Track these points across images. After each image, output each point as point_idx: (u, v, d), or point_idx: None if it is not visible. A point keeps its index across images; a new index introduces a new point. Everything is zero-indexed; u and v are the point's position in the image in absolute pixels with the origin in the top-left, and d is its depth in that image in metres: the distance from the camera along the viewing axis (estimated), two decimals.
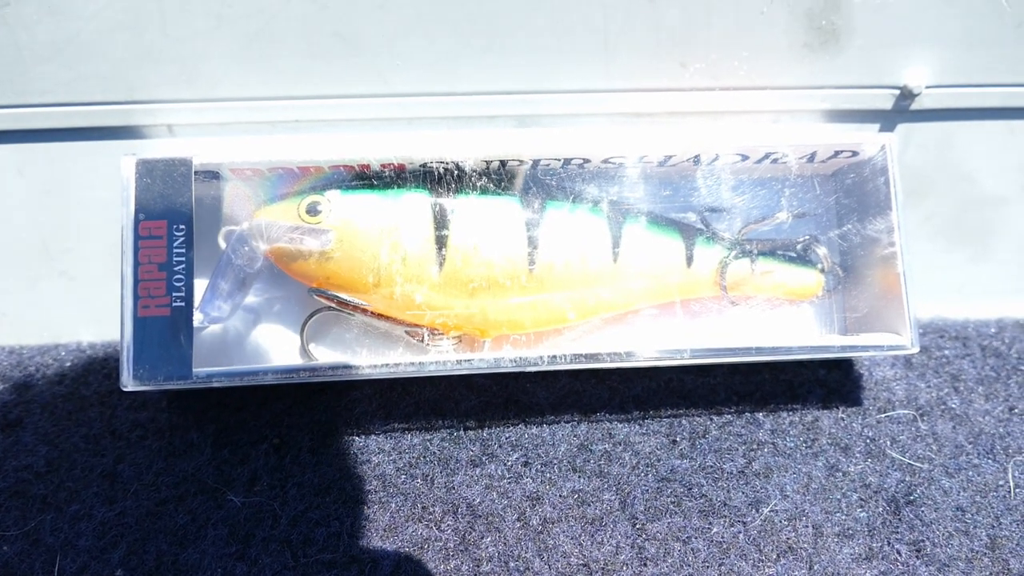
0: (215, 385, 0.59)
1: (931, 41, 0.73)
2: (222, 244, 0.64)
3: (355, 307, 0.64)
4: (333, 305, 0.64)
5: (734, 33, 0.71)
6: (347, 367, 0.60)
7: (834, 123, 0.76)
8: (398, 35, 0.68)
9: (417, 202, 0.64)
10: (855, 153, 0.69)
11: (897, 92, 0.74)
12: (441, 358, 0.61)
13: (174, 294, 0.59)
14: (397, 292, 0.62)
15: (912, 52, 0.73)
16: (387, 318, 0.64)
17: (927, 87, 0.74)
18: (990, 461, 0.69)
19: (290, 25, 0.67)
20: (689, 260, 0.67)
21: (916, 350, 0.63)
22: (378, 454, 0.66)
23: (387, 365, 0.60)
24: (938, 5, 0.70)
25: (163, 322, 0.59)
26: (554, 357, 0.61)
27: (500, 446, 0.67)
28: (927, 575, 0.62)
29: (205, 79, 0.69)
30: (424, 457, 0.66)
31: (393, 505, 0.64)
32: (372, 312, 0.64)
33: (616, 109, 0.73)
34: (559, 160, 0.66)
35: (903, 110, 0.75)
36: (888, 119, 0.76)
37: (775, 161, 0.69)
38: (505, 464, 0.66)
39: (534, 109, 0.73)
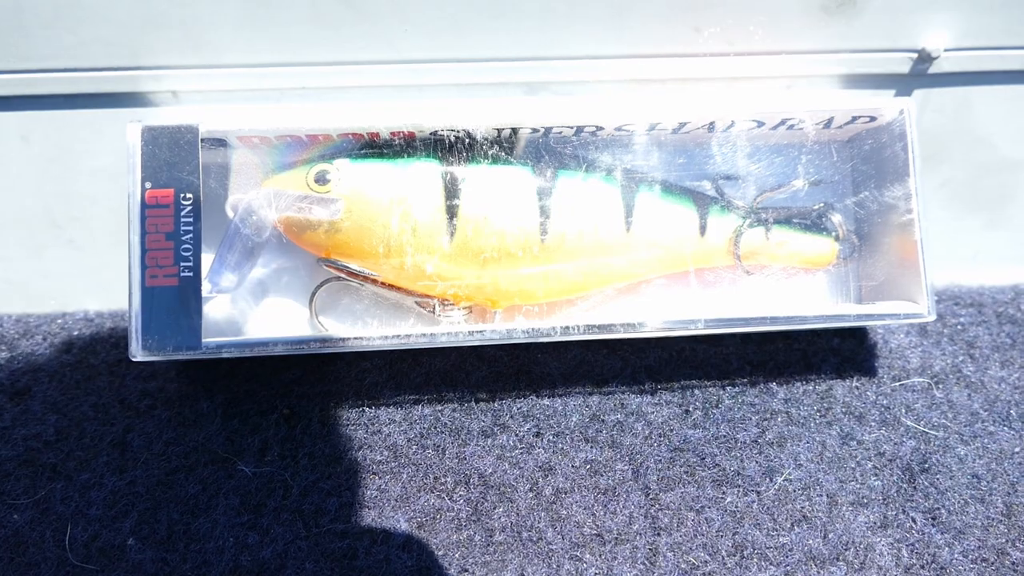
0: (224, 355, 0.58)
1: (950, 3, 0.71)
2: (230, 213, 0.63)
3: (365, 277, 0.63)
4: (343, 275, 0.63)
5: None
6: (357, 338, 0.59)
7: (850, 88, 0.75)
8: (405, 1, 0.67)
9: (427, 171, 0.63)
10: (873, 118, 0.67)
11: (915, 56, 0.73)
12: (452, 329, 0.60)
13: (182, 264, 0.59)
14: (407, 262, 0.62)
15: (930, 15, 0.72)
16: (397, 288, 0.64)
17: (945, 50, 0.73)
18: (1006, 428, 0.68)
19: None
20: (703, 229, 0.66)
21: (933, 318, 0.63)
22: (389, 424, 0.66)
23: (398, 336, 0.60)
24: None
25: (171, 292, 0.58)
26: (567, 328, 0.60)
27: (511, 417, 0.67)
28: (943, 543, 0.62)
29: (211, 45, 0.68)
30: (435, 428, 0.66)
31: (405, 475, 0.64)
32: (382, 283, 0.63)
33: (629, 75, 0.72)
34: (571, 128, 0.65)
35: (920, 74, 0.74)
36: (905, 83, 0.75)
37: (791, 127, 0.67)
38: (517, 435, 0.66)
39: (545, 76, 0.72)
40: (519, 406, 0.67)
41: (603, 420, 0.67)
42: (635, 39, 0.71)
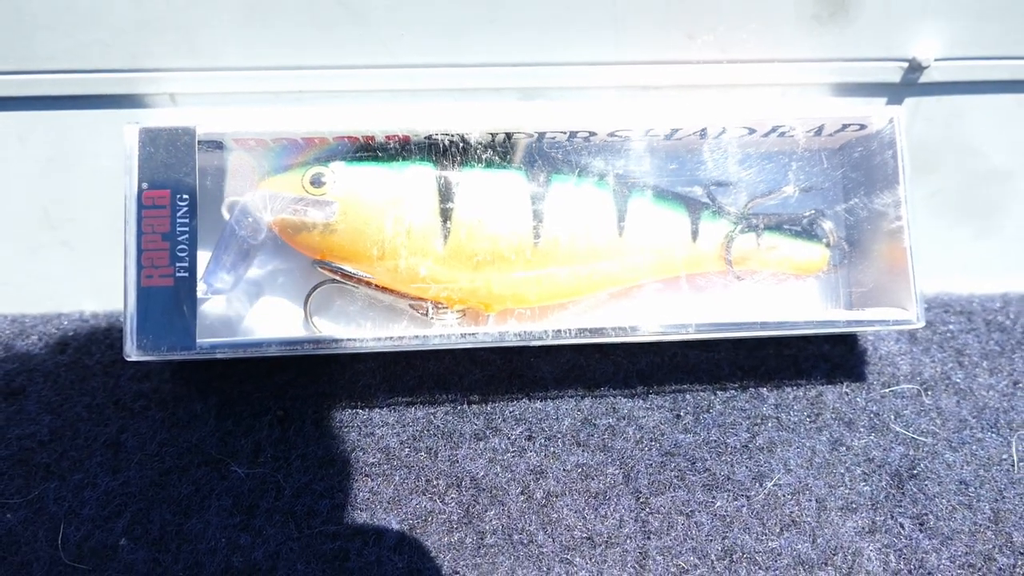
0: (219, 356, 0.59)
1: (941, 13, 0.72)
2: (226, 215, 0.64)
3: (359, 280, 0.63)
4: (337, 278, 0.64)
5: (743, 5, 0.70)
6: (351, 340, 0.60)
7: (842, 96, 0.75)
8: (403, 5, 0.68)
9: (422, 174, 0.63)
10: (863, 126, 0.68)
11: (906, 65, 0.74)
12: (445, 332, 0.61)
13: (177, 264, 0.59)
14: (401, 265, 0.62)
15: (921, 24, 0.73)
16: (391, 291, 0.64)
17: (936, 60, 0.73)
18: (994, 435, 0.69)
19: None
20: (695, 234, 0.66)
21: (922, 325, 0.63)
22: (382, 427, 0.66)
23: (391, 338, 0.60)
24: None
25: (166, 292, 0.59)
26: (559, 331, 0.60)
27: (504, 420, 0.67)
28: (930, 548, 0.63)
29: (208, 48, 0.68)
30: (428, 430, 0.66)
31: (397, 478, 0.64)
32: (376, 285, 0.64)
33: (623, 82, 0.73)
34: (565, 133, 0.65)
35: (911, 83, 0.75)
36: (896, 92, 0.76)
37: (782, 135, 0.68)
38: (509, 438, 0.66)
39: (540, 81, 0.72)
40: (511, 409, 0.68)
41: (595, 424, 0.67)
42: (630, 46, 0.71)
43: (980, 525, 0.64)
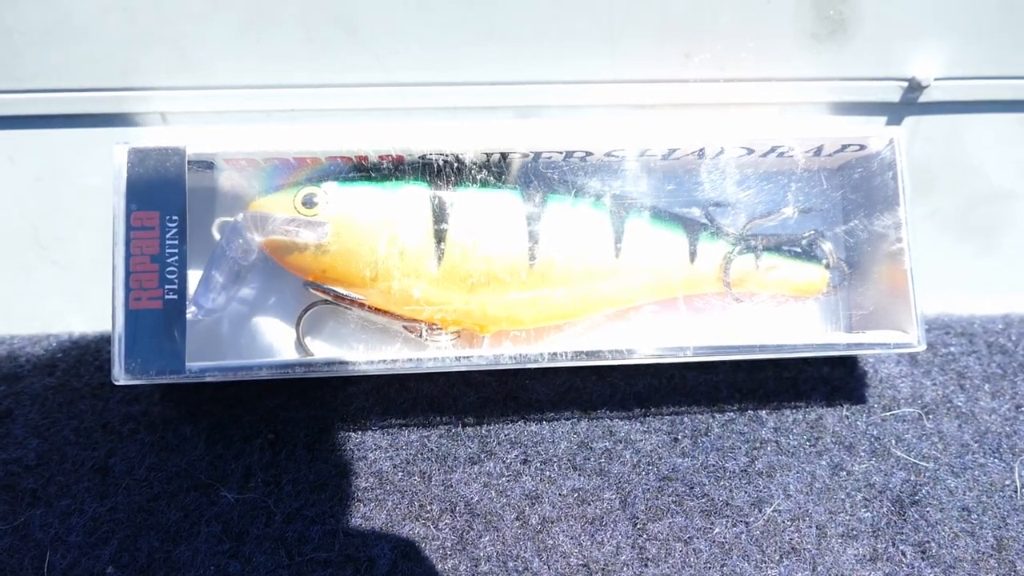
0: (208, 380, 0.58)
1: (940, 32, 0.72)
2: (216, 236, 0.63)
3: (352, 301, 0.62)
4: (329, 299, 0.63)
5: (740, 23, 0.70)
6: (343, 363, 0.59)
7: (841, 115, 0.75)
8: (398, 23, 0.67)
9: (415, 195, 0.62)
10: (862, 147, 0.67)
11: (905, 84, 0.73)
12: (440, 354, 0.60)
13: (167, 287, 0.58)
14: (395, 286, 0.61)
15: (921, 43, 0.72)
16: (384, 313, 0.63)
17: (936, 79, 0.73)
18: (996, 460, 0.68)
19: (288, 10, 0.66)
20: (692, 255, 0.66)
21: (923, 348, 0.62)
22: (375, 451, 0.65)
23: (384, 361, 0.59)
24: None
25: (156, 315, 0.58)
26: (555, 354, 0.60)
27: (499, 443, 0.66)
28: None
29: (200, 65, 0.67)
30: (421, 454, 0.65)
31: (390, 503, 0.63)
32: (369, 307, 0.63)
33: (619, 100, 0.72)
34: (561, 153, 0.65)
35: (911, 102, 0.74)
36: (895, 111, 0.75)
37: (781, 155, 0.67)
38: (504, 462, 0.65)
39: (536, 99, 0.71)
40: (507, 432, 0.67)
41: (591, 447, 0.66)
42: (626, 64, 0.71)
43: (983, 553, 0.63)
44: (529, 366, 0.60)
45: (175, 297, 0.58)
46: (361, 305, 0.63)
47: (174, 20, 0.66)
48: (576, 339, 0.66)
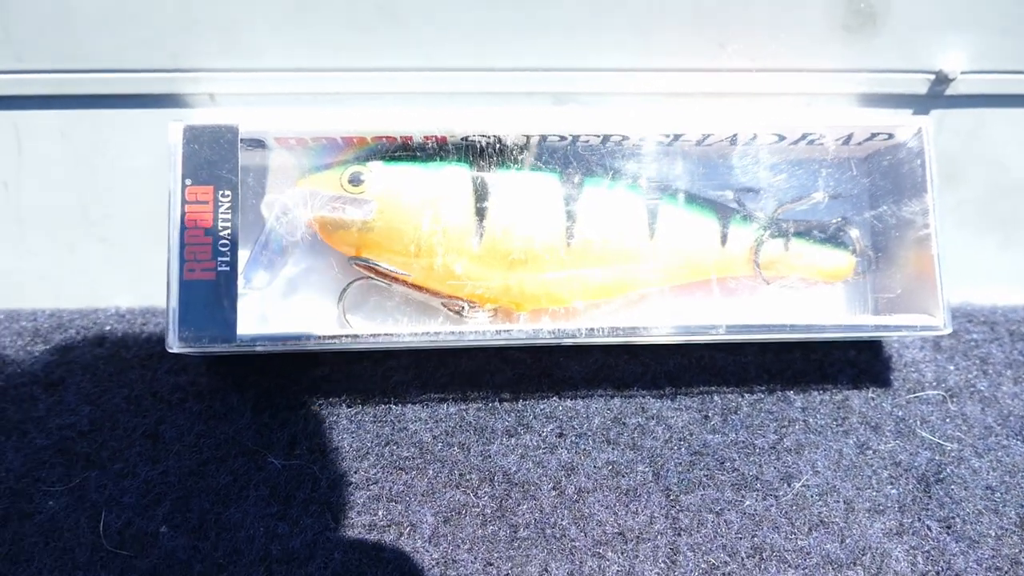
0: (258, 349, 0.60)
1: (968, 26, 0.73)
2: (265, 213, 0.65)
3: (394, 277, 0.64)
4: (372, 276, 0.65)
5: (773, 14, 0.72)
6: (388, 335, 0.60)
7: (869, 107, 0.76)
8: (439, 9, 0.69)
9: (458, 175, 0.64)
10: (891, 135, 0.69)
11: (932, 77, 0.75)
12: (480, 328, 0.61)
13: (219, 259, 0.60)
14: (437, 263, 0.63)
15: (948, 37, 0.74)
16: (425, 289, 0.65)
17: (962, 72, 0.74)
18: (1019, 443, 0.69)
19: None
20: (724, 239, 0.67)
21: (949, 331, 0.64)
22: (415, 422, 0.67)
23: (427, 333, 0.61)
24: None
25: (208, 286, 0.60)
26: (592, 330, 0.61)
27: (535, 417, 0.68)
28: (957, 551, 0.63)
29: (249, 48, 0.69)
30: (460, 426, 0.67)
31: (431, 471, 0.65)
32: (411, 283, 0.65)
33: (654, 88, 0.74)
34: (598, 136, 0.66)
35: (937, 95, 0.76)
36: (922, 104, 0.77)
37: (811, 142, 0.69)
38: (540, 435, 0.67)
39: (572, 87, 0.73)
40: (542, 407, 0.68)
41: (624, 423, 0.68)
42: (660, 53, 0.73)
43: (1006, 530, 0.65)
44: (566, 341, 0.61)
45: (227, 269, 0.60)
46: (403, 281, 0.64)
47: (224, 4, 0.68)
48: (610, 317, 0.68)
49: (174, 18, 0.68)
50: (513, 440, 0.66)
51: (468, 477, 0.65)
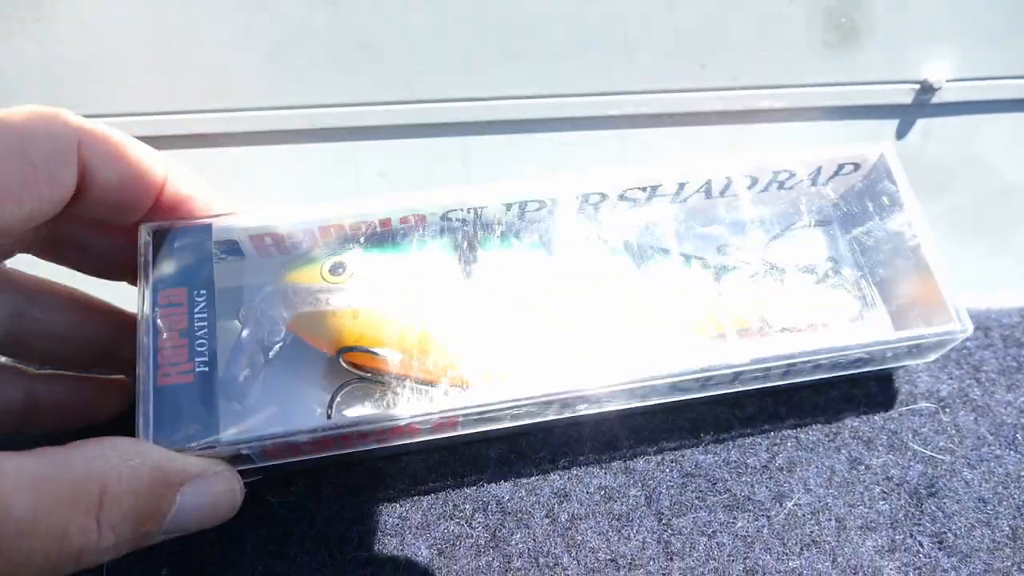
0: (242, 452, 0.55)
1: (950, 36, 0.73)
2: (239, 324, 0.63)
3: (387, 371, 0.61)
4: (363, 374, 0.63)
5: (753, 33, 0.72)
6: (386, 417, 0.57)
7: (854, 119, 0.77)
8: (420, 43, 0.70)
9: (440, 256, 0.64)
10: (857, 166, 0.68)
11: (917, 87, 0.75)
12: (485, 398, 0.58)
13: (197, 359, 0.56)
14: (429, 361, 0.61)
15: (931, 47, 0.74)
16: (421, 381, 0.61)
17: (947, 81, 0.75)
18: (1012, 452, 0.69)
19: (313, 34, 0.69)
20: (718, 288, 0.68)
21: (970, 332, 0.63)
22: (407, 454, 0.68)
23: (429, 413, 0.57)
24: None
25: (187, 388, 0.55)
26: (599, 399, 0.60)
27: (527, 443, 0.69)
28: (949, 566, 0.63)
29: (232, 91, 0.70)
30: (452, 456, 0.68)
31: (425, 503, 0.66)
32: (410, 377, 0.61)
33: (635, 110, 0.74)
34: (579, 198, 0.66)
35: (923, 104, 0.76)
36: (908, 114, 0.77)
37: (781, 185, 0.69)
38: (532, 461, 0.68)
39: (556, 112, 0.74)
40: (534, 434, 0.69)
41: (615, 446, 0.69)
42: (642, 76, 0.73)
43: (999, 543, 0.65)
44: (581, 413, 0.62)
45: (206, 369, 0.55)
46: (398, 376, 0.61)
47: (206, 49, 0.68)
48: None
49: (159, 63, 0.69)
50: (505, 468, 0.67)
51: (462, 507, 0.65)
